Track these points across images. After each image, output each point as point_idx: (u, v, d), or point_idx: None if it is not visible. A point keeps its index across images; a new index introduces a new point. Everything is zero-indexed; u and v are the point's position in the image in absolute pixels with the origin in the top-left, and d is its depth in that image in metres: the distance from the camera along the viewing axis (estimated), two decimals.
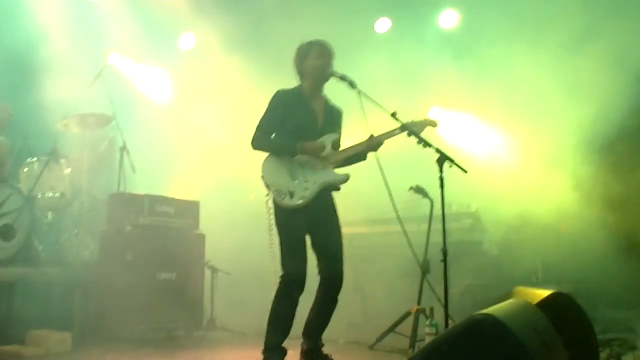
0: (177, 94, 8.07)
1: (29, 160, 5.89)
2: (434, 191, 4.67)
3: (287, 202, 3.75)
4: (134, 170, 6.01)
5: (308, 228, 3.86)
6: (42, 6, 6.86)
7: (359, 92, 3.74)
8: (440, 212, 3.64)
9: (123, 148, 6.06)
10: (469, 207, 6.51)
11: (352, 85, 3.78)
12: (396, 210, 3.81)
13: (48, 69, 6.55)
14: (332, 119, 4.07)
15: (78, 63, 6.76)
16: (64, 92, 6.34)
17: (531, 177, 6.75)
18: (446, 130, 7.77)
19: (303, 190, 3.79)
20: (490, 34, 6.87)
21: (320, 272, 3.90)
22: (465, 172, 3.43)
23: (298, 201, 3.76)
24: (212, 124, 7.72)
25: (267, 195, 3.87)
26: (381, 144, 3.90)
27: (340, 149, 4.02)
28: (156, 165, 7.02)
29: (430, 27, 8.02)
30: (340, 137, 4.04)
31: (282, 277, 3.75)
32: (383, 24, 8.27)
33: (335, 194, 4.05)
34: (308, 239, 3.91)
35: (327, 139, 3.94)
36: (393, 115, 3.68)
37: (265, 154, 3.93)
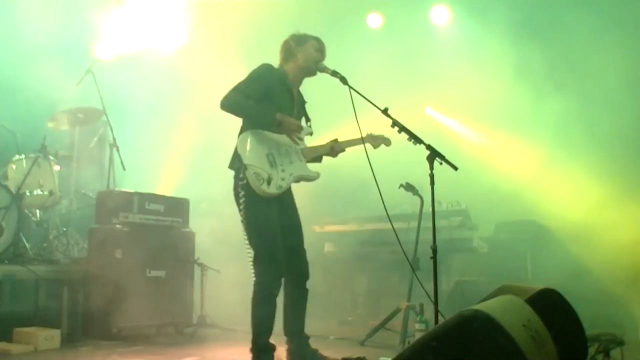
0: (167, 89, 8.02)
1: (17, 157, 5.84)
2: (424, 189, 4.72)
3: (264, 188, 3.59)
4: (123, 168, 5.98)
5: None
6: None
7: (350, 89, 3.72)
8: (430, 209, 3.65)
9: (113, 144, 6.03)
10: (459, 204, 6.53)
11: (343, 81, 3.74)
12: (386, 208, 3.79)
13: (36, 65, 6.50)
14: (303, 110, 4.08)
15: (67, 58, 6.71)
16: (53, 89, 6.29)
17: (521, 175, 6.80)
18: (438, 126, 7.84)
19: (280, 180, 3.69)
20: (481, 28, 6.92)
21: (286, 269, 3.79)
22: (456, 169, 3.43)
23: (275, 190, 3.64)
24: (202, 121, 7.69)
25: (242, 177, 3.63)
26: (342, 150, 3.99)
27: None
28: (146, 162, 6.99)
29: (423, 22, 8.05)
30: (312, 131, 4.02)
31: (258, 275, 3.63)
32: (375, 20, 8.29)
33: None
34: None
35: (303, 132, 3.92)
36: (384, 111, 3.67)
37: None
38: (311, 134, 4.02)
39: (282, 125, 3.68)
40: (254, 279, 3.68)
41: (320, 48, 3.90)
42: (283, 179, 3.72)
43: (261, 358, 3.65)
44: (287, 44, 3.95)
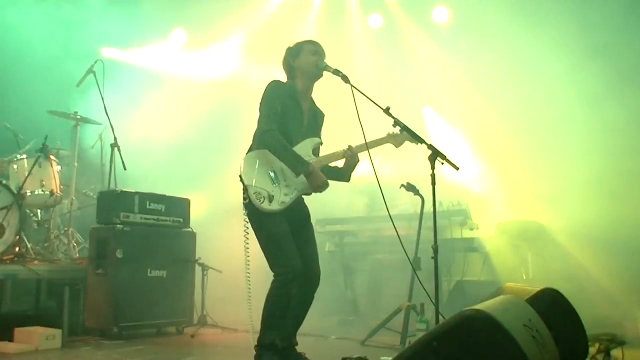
0: (168, 89, 8.04)
1: (18, 156, 5.85)
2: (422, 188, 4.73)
3: (265, 206, 3.60)
4: (124, 167, 5.97)
5: None
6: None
7: (352, 87, 3.71)
8: (431, 209, 3.64)
9: (114, 144, 6.03)
10: (460, 204, 6.53)
11: (345, 79, 3.73)
12: (387, 208, 3.77)
13: (38, 64, 6.51)
14: (315, 121, 4.00)
15: (69, 57, 6.72)
16: (55, 87, 6.30)
17: (522, 176, 6.80)
18: (437, 127, 7.82)
19: (283, 196, 3.67)
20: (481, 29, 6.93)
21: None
22: (457, 169, 3.42)
23: (277, 206, 3.63)
24: (205, 121, 7.70)
25: (244, 197, 3.64)
26: (357, 160, 3.84)
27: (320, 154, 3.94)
28: (147, 162, 6.99)
29: (424, 22, 8.05)
30: (321, 141, 3.96)
31: (277, 275, 3.62)
32: (377, 20, 8.29)
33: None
34: None
35: (309, 143, 3.86)
36: (386, 110, 3.66)
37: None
38: (321, 144, 3.96)
39: (308, 179, 3.66)
40: (273, 278, 3.65)
41: (316, 50, 3.86)
42: (286, 194, 3.69)
43: (264, 356, 3.64)
44: (284, 62, 3.93)
